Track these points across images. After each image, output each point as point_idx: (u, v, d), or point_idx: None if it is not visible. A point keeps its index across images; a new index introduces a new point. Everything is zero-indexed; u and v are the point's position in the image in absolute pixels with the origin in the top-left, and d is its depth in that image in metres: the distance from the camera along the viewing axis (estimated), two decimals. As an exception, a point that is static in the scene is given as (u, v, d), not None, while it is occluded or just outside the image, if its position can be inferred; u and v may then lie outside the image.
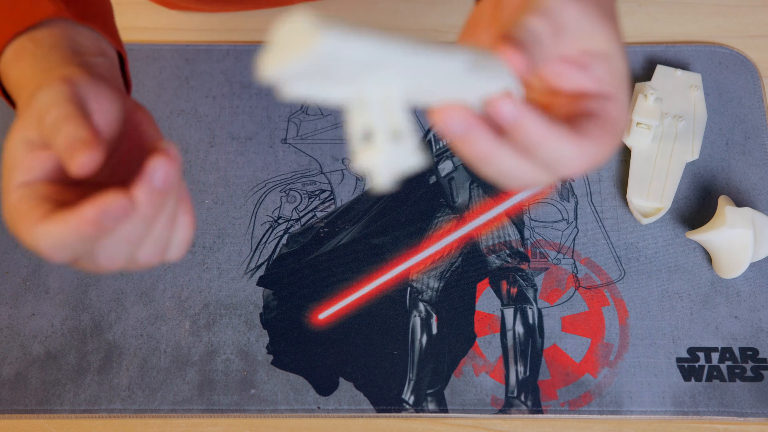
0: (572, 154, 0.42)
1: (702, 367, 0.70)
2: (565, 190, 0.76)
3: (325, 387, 0.69)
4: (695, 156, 0.76)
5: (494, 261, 0.73)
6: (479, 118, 0.40)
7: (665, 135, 0.76)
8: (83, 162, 0.43)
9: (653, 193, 0.74)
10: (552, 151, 0.41)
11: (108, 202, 0.42)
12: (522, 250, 0.74)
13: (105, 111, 0.47)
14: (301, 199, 0.76)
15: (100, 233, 0.43)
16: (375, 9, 0.85)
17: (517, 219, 0.75)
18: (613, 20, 0.46)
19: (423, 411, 0.68)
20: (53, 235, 0.43)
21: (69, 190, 0.46)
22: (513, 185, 0.44)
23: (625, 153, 0.77)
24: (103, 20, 0.55)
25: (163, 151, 0.44)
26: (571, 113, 0.44)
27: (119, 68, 0.56)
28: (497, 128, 0.41)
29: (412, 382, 0.69)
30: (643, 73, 0.81)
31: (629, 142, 0.77)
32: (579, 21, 0.44)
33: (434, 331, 0.71)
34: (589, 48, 0.44)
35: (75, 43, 0.52)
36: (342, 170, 0.77)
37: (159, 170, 0.43)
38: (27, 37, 0.51)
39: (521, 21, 0.42)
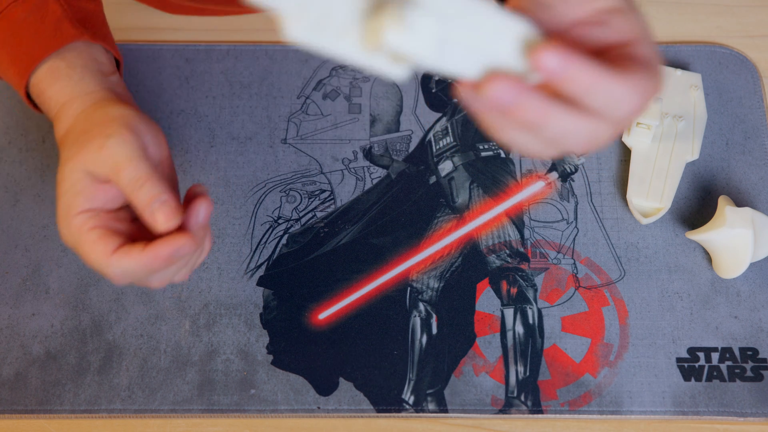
0: (626, 94, 0.41)
1: (702, 367, 0.70)
2: (565, 190, 0.76)
3: (325, 387, 0.69)
4: (695, 156, 0.76)
5: (494, 261, 0.73)
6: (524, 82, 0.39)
7: (665, 135, 0.76)
8: (169, 225, 0.54)
9: (653, 193, 0.74)
10: (606, 95, 0.40)
11: (180, 243, 0.53)
12: (522, 250, 0.74)
13: (154, 147, 0.58)
14: (301, 199, 0.76)
15: (167, 266, 0.55)
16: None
17: (517, 219, 0.75)
18: None
19: (423, 411, 0.68)
20: (126, 266, 0.54)
21: (119, 214, 0.57)
22: (574, 147, 0.43)
23: (625, 153, 0.77)
24: (105, 34, 0.65)
25: (204, 196, 0.56)
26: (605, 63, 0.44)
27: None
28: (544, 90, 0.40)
29: (412, 382, 0.69)
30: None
31: (629, 142, 0.77)
32: None
33: (434, 331, 0.71)
34: (601, 6, 0.44)
35: (98, 63, 0.63)
36: (342, 170, 0.77)
37: (203, 212, 0.56)
38: (57, 57, 0.61)
39: None
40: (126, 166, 0.54)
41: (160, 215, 0.53)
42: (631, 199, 0.74)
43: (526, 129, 0.41)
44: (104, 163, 0.55)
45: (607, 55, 0.43)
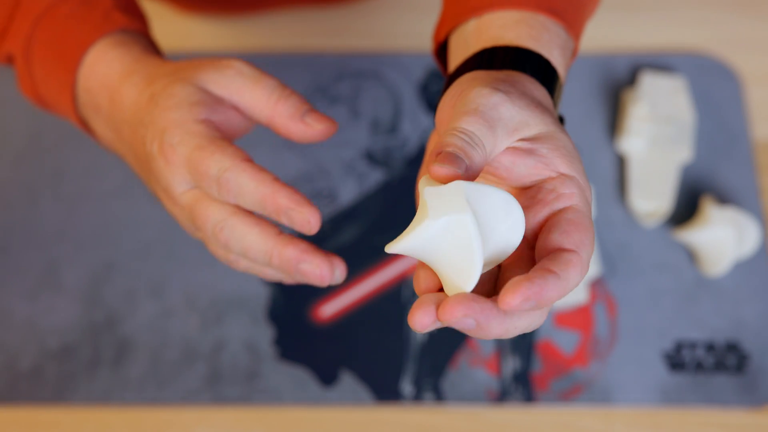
0: (577, 280, 0.39)
1: (687, 360, 0.73)
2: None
3: (327, 379, 0.72)
4: (688, 157, 0.78)
5: (489, 259, 0.76)
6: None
7: (658, 139, 0.78)
8: (323, 125, 0.49)
9: (654, 195, 0.76)
10: (556, 296, 0.39)
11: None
12: (516, 248, 0.76)
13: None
14: (305, 200, 0.78)
15: (277, 216, 0.48)
16: (377, 19, 0.87)
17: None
18: (541, 105, 0.44)
19: (421, 402, 0.71)
20: (244, 181, 0.46)
21: None
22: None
23: (613, 156, 0.80)
24: (148, 27, 0.58)
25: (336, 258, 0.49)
26: (544, 222, 0.42)
27: None
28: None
29: (410, 374, 0.72)
30: (629, 80, 0.83)
31: (622, 147, 0.79)
32: (510, 112, 0.42)
33: (432, 325, 0.74)
34: (526, 135, 0.43)
35: (153, 46, 0.56)
36: (343, 173, 0.80)
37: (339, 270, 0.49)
38: (109, 39, 0.53)
39: (455, 125, 0.41)
40: (260, 79, 0.49)
41: (310, 118, 0.49)
42: (634, 202, 0.77)
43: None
44: (227, 83, 0.49)
45: (538, 199, 0.42)
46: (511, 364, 0.72)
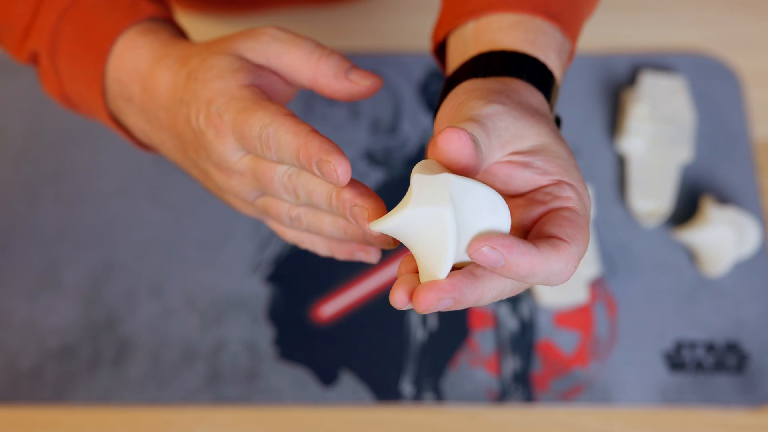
0: (563, 267, 0.40)
1: (687, 360, 0.73)
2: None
3: (327, 379, 0.72)
4: (689, 157, 0.78)
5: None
6: None
7: (658, 139, 0.79)
8: (370, 81, 0.48)
9: (655, 195, 0.76)
10: (544, 275, 0.40)
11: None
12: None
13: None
14: (305, 200, 0.78)
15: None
16: (377, 19, 0.88)
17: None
18: (537, 114, 0.44)
19: (421, 402, 0.71)
20: (281, 136, 0.44)
21: None
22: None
23: (613, 156, 0.80)
24: (173, 14, 0.57)
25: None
26: (539, 218, 0.43)
27: None
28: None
29: (410, 374, 0.72)
30: (629, 80, 0.84)
31: (622, 148, 0.80)
32: (504, 123, 0.43)
33: (431, 325, 0.74)
34: (519, 149, 0.43)
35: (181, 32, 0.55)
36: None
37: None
38: (138, 28, 0.52)
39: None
40: (297, 41, 0.48)
41: (355, 74, 0.47)
42: (635, 202, 0.77)
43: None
44: (264, 50, 0.48)
45: (536, 199, 0.43)
46: (511, 364, 0.72)
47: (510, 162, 0.43)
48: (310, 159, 0.42)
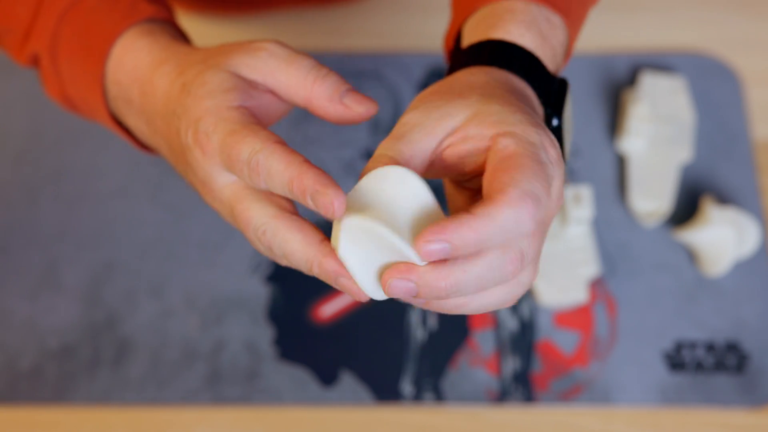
0: (519, 216, 0.39)
1: (687, 360, 0.73)
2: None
3: (327, 379, 0.72)
4: (689, 157, 0.79)
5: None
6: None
7: (658, 139, 0.79)
8: (366, 106, 0.48)
9: (655, 195, 0.77)
10: (502, 232, 0.39)
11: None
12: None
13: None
14: (305, 200, 0.78)
15: (303, 199, 0.47)
16: (377, 19, 0.88)
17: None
18: (469, 89, 0.45)
19: (421, 402, 0.71)
20: (272, 165, 0.44)
21: None
22: (507, 294, 0.42)
23: (612, 156, 0.80)
24: (174, 15, 0.57)
25: None
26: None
27: None
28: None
29: (410, 374, 0.72)
30: (629, 80, 0.83)
31: (622, 148, 0.80)
32: (417, 116, 0.44)
33: (431, 325, 0.74)
34: (452, 127, 0.44)
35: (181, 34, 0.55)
36: (344, 172, 0.80)
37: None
38: (136, 29, 0.52)
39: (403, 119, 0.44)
40: (295, 59, 0.47)
41: (349, 99, 0.47)
42: (635, 202, 0.77)
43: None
44: (260, 66, 0.47)
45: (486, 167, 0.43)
46: (511, 364, 0.72)
47: (450, 145, 0.43)
48: (304, 190, 0.42)
